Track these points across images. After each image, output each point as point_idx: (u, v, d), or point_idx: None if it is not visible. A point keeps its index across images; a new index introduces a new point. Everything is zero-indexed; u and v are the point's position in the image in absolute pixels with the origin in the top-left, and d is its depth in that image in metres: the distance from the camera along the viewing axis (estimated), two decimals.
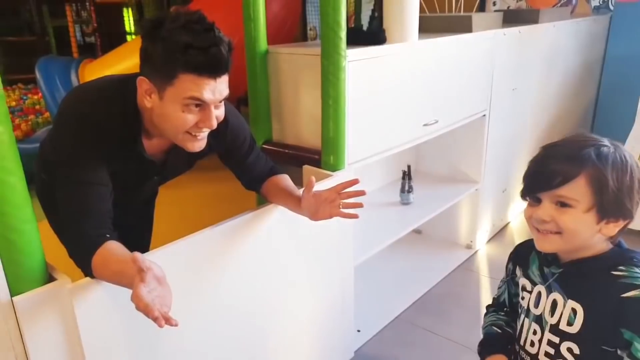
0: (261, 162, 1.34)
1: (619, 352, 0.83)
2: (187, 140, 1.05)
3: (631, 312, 0.81)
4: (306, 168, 1.61)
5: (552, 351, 0.91)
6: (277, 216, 1.37)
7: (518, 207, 2.93)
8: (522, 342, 0.98)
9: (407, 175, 2.21)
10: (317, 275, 1.61)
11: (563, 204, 0.83)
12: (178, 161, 1.24)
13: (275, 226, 1.39)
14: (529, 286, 0.98)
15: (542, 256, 0.95)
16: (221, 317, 1.32)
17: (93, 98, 1.09)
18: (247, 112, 1.79)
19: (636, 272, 0.83)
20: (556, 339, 0.90)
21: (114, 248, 0.98)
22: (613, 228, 0.85)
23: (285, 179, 1.35)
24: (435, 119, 1.99)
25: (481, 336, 1.10)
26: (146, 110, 1.06)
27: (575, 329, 0.87)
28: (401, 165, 2.35)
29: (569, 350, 0.88)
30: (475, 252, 2.55)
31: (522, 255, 1.02)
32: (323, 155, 1.58)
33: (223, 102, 1.06)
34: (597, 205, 0.82)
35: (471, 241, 2.55)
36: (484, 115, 2.33)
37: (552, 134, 3.06)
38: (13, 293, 0.93)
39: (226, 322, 1.34)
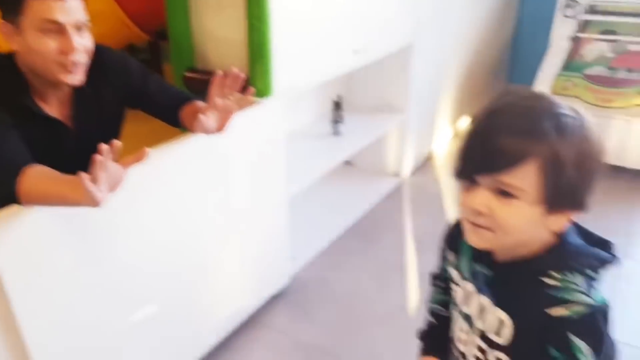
0: (169, 91, 1.31)
1: None
2: (61, 71, 1.04)
3: (557, 334, 0.65)
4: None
5: (482, 357, 0.76)
6: (205, 146, 1.33)
7: (443, 136, 3.06)
8: (453, 336, 0.84)
9: (337, 105, 2.21)
10: (251, 206, 1.60)
11: (505, 193, 0.63)
12: (90, 121, 1.18)
13: (205, 156, 1.35)
14: (458, 279, 0.80)
15: (474, 248, 0.73)
16: (157, 250, 1.30)
17: None
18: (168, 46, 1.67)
19: (569, 281, 0.65)
20: (484, 346, 0.75)
21: (45, 168, 0.96)
22: (558, 221, 0.65)
23: (199, 103, 1.29)
24: (365, 44, 1.97)
25: (425, 309, 0.94)
26: (22, 61, 1.05)
27: (503, 340, 0.71)
28: (333, 96, 2.33)
29: None
30: (403, 180, 2.66)
31: (454, 238, 0.82)
32: (250, 81, 1.53)
33: (87, 31, 1.06)
34: (547, 197, 0.62)
35: (398, 170, 2.65)
36: (411, 45, 2.34)
37: (475, 67, 3.17)
38: None
39: (161, 254, 1.31)
